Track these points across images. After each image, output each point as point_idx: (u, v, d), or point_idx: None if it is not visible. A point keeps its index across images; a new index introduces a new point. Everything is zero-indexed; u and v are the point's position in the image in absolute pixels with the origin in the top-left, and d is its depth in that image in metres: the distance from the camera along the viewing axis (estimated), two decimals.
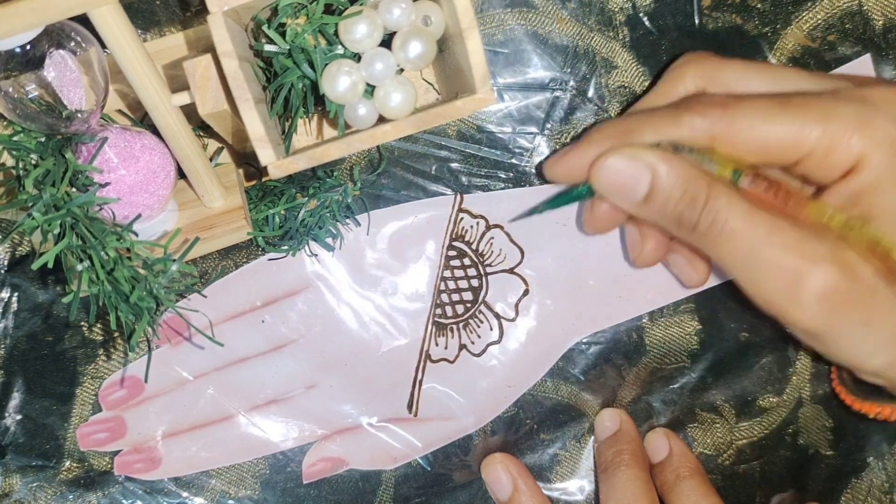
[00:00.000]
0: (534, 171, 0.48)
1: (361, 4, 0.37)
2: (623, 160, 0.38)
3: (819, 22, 0.47)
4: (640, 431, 0.49)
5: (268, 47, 0.37)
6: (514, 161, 0.47)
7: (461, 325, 0.48)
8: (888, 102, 0.37)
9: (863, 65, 0.48)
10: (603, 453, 0.48)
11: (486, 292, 0.48)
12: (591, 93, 0.47)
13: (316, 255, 0.47)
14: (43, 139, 0.38)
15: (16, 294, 0.46)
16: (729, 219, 0.37)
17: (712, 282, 0.48)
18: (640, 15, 0.46)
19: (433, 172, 0.47)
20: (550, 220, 0.48)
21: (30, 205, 0.36)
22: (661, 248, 0.44)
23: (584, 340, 0.49)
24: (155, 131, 0.39)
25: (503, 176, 0.48)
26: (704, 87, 0.41)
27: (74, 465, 0.47)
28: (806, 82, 0.40)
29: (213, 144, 0.45)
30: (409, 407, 0.49)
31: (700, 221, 0.37)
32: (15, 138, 0.38)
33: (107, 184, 0.39)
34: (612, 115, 0.47)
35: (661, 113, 0.40)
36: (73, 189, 0.38)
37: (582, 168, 0.41)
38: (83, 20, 0.34)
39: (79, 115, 0.37)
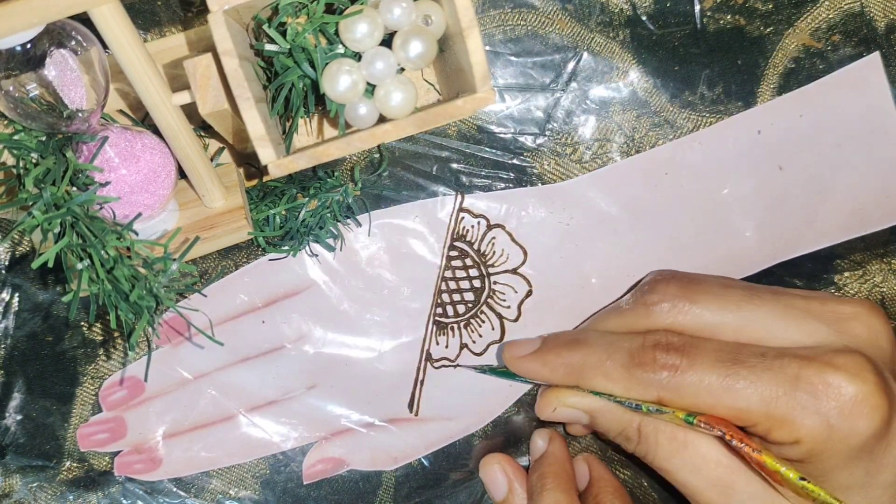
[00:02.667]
0: (535, 171, 0.48)
1: (362, 4, 0.37)
2: (564, 410, 0.44)
3: (822, 23, 0.47)
4: None
5: (268, 46, 0.37)
6: (515, 161, 0.47)
7: (462, 324, 0.48)
8: (847, 370, 0.38)
9: (871, 63, 0.48)
10: (529, 478, 0.48)
11: (488, 292, 0.48)
12: (591, 93, 0.47)
13: (317, 256, 0.47)
14: (44, 138, 0.38)
15: (16, 294, 0.46)
16: (657, 458, 0.43)
17: None
18: (641, 15, 0.46)
19: (434, 173, 0.47)
20: (553, 220, 0.48)
21: (30, 203, 0.36)
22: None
23: None
24: (156, 131, 0.39)
25: (504, 176, 0.48)
26: (676, 323, 0.42)
27: (74, 465, 0.47)
28: (778, 322, 0.41)
29: (214, 144, 0.45)
30: (410, 407, 0.48)
31: (636, 451, 0.44)
32: (16, 137, 0.38)
33: (107, 183, 0.39)
34: (614, 115, 0.47)
35: (616, 360, 0.42)
36: (74, 188, 0.38)
37: (533, 377, 0.45)
38: (84, 19, 0.34)
39: (79, 115, 0.37)
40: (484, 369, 0.48)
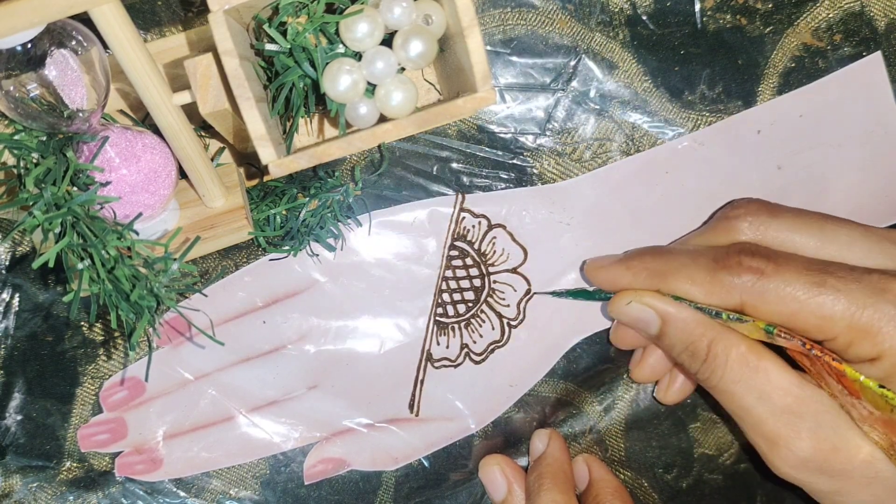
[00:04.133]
0: (535, 170, 0.48)
1: (362, 3, 0.37)
2: (637, 306, 0.43)
3: (822, 22, 0.47)
4: (641, 430, 0.49)
5: (269, 46, 0.37)
6: (515, 161, 0.47)
7: (462, 324, 0.48)
8: None
9: (872, 63, 0.48)
10: (527, 478, 0.47)
11: (489, 292, 0.48)
12: (592, 93, 0.47)
13: (317, 255, 0.47)
14: (44, 138, 0.38)
15: (16, 294, 0.46)
16: (723, 380, 0.41)
17: None
18: (641, 15, 0.46)
19: (434, 172, 0.47)
20: (553, 219, 0.48)
21: (31, 203, 0.36)
22: (660, 368, 0.48)
23: (585, 340, 0.49)
24: (156, 131, 0.39)
25: (505, 176, 0.48)
26: (757, 239, 0.42)
27: (75, 465, 0.47)
28: (858, 244, 0.41)
29: (215, 144, 0.45)
30: (411, 407, 0.48)
31: (699, 372, 0.42)
32: (16, 137, 0.38)
33: (108, 183, 0.39)
34: (614, 115, 0.47)
35: (700, 263, 0.41)
36: (75, 188, 0.38)
37: (613, 284, 0.45)
38: (85, 19, 0.34)
39: (80, 115, 0.37)
40: (560, 293, 0.48)
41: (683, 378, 0.47)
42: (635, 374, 0.48)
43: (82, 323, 0.46)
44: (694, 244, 0.45)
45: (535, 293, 0.48)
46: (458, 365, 0.48)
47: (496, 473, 0.48)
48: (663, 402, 0.48)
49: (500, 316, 0.48)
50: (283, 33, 0.37)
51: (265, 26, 0.37)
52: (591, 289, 0.48)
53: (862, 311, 0.38)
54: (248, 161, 0.46)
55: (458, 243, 0.48)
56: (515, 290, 0.48)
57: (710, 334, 0.41)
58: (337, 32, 0.37)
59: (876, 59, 0.48)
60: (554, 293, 0.48)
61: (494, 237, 0.48)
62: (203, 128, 0.44)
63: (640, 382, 0.49)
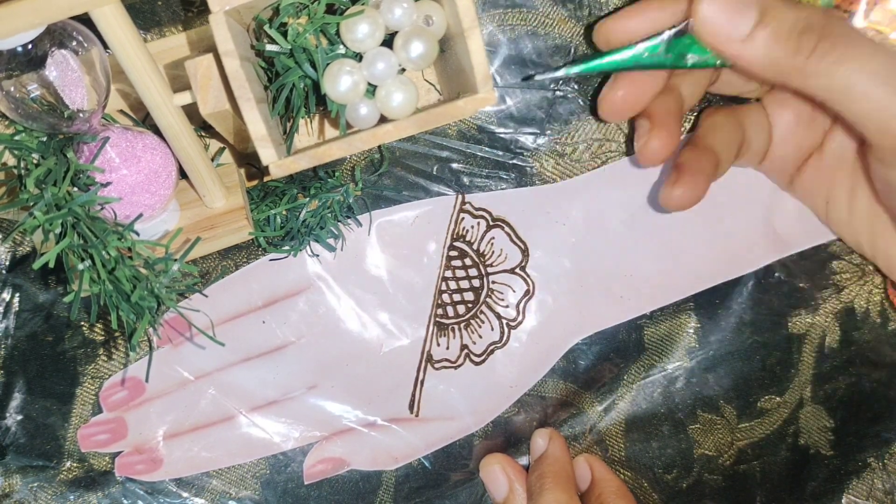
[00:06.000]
0: (535, 171, 0.48)
1: (363, 4, 0.37)
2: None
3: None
4: (641, 431, 0.49)
5: (269, 47, 0.37)
6: (515, 161, 0.47)
7: (462, 325, 0.48)
8: None
9: None
10: (528, 477, 0.47)
11: (488, 292, 0.48)
12: (592, 93, 0.47)
13: (317, 256, 0.47)
14: (45, 139, 0.38)
15: (17, 294, 0.46)
16: (844, 56, 0.37)
17: (712, 282, 0.49)
18: None
19: (434, 173, 0.47)
20: (552, 219, 0.48)
21: (31, 204, 0.36)
22: (669, 145, 0.43)
23: (585, 340, 0.49)
24: (157, 131, 0.39)
25: (504, 176, 0.48)
26: None
27: (75, 465, 0.47)
28: None
29: (215, 144, 0.45)
30: (411, 407, 0.49)
31: (815, 51, 0.37)
32: (17, 138, 0.38)
33: (108, 183, 0.39)
34: None
35: None
36: (75, 188, 0.38)
37: (644, 28, 0.40)
38: (85, 20, 0.34)
39: (80, 115, 0.37)
40: (563, 68, 0.42)
41: (669, 127, 0.42)
42: (604, 105, 0.42)
43: (83, 323, 0.46)
44: None
45: (534, 76, 0.43)
46: (459, 366, 0.48)
47: (497, 472, 0.48)
48: (645, 157, 0.43)
49: (499, 317, 0.49)
50: (284, 34, 0.37)
51: (266, 27, 0.37)
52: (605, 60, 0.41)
53: None
54: (249, 161, 0.46)
55: (457, 243, 0.48)
56: (514, 291, 0.48)
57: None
58: (338, 33, 0.37)
59: None
60: (556, 71, 0.42)
61: (493, 237, 0.48)
62: (203, 128, 0.44)
63: (608, 118, 0.43)
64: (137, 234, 0.39)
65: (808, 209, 0.48)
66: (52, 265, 0.36)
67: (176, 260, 0.38)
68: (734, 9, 0.38)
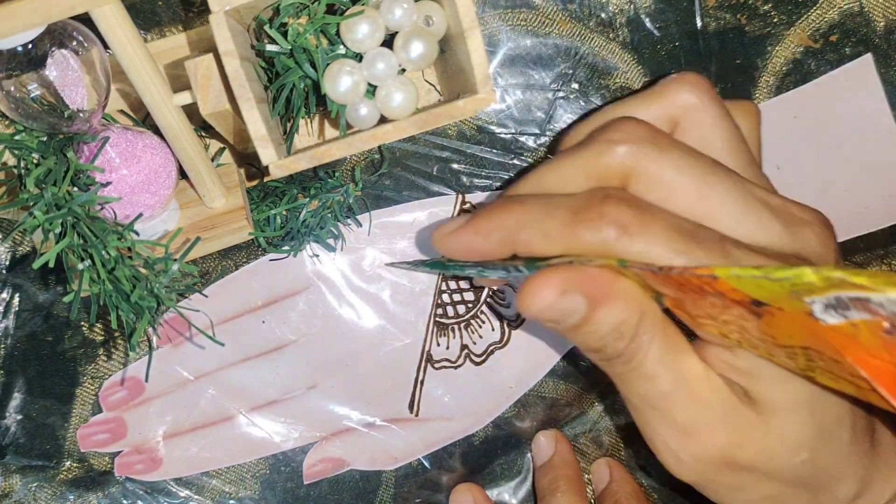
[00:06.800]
0: None
1: (363, 4, 0.37)
2: (558, 296, 0.34)
3: (821, 23, 0.47)
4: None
5: (269, 47, 0.37)
6: (515, 161, 0.47)
7: (462, 325, 0.48)
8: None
9: (864, 65, 0.48)
10: (539, 481, 0.48)
11: (488, 292, 0.48)
12: (592, 94, 0.47)
13: (317, 256, 0.47)
14: (45, 138, 0.38)
15: (17, 294, 0.46)
16: (646, 361, 0.35)
17: None
18: (641, 15, 0.47)
19: (434, 173, 0.47)
20: None
21: (31, 204, 0.36)
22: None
23: None
24: (157, 131, 0.39)
25: (505, 176, 0.48)
26: (632, 167, 0.36)
27: (74, 465, 0.47)
28: (734, 206, 0.36)
29: (215, 144, 0.45)
30: (411, 407, 0.49)
31: (623, 352, 0.35)
32: (17, 137, 0.38)
33: (108, 183, 0.39)
34: None
35: (557, 216, 0.35)
36: (75, 188, 0.38)
37: (467, 252, 0.38)
38: (85, 20, 0.34)
39: (80, 115, 0.37)
40: (415, 264, 0.44)
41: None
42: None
43: (82, 323, 0.46)
44: (564, 165, 0.37)
45: (389, 264, 0.44)
46: (459, 366, 0.48)
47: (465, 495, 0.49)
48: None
49: (499, 317, 0.49)
50: (284, 34, 0.37)
51: (266, 27, 0.37)
52: (443, 259, 0.41)
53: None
54: (249, 161, 0.46)
55: None
56: (515, 290, 0.48)
57: (641, 308, 0.35)
58: (338, 33, 0.37)
59: (867, 60, 0.48)
60: (407, 265, 0.44)
61: None
62: (203, 128, 0.44)
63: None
64: (137, 233, 0.39)
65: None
66: (51, 265, 0.36)
67: (176, 260, 0.38)
68: (558, 315, 0.35)
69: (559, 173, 0.38)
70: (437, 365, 0.48)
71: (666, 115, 0.39)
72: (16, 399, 0.46)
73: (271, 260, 0.47)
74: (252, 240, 0.45)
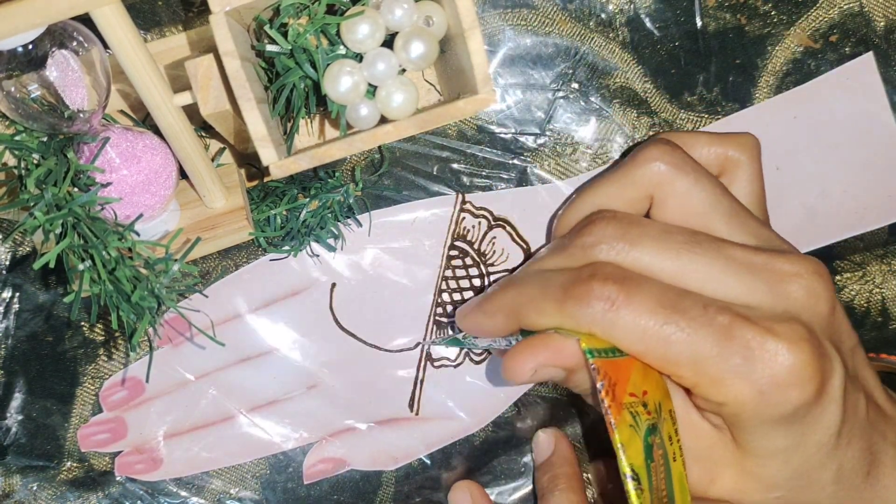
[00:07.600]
0: (535, 171, 0.48)
1: (363, 5, 0.37)
2: (533, 373, 0.39)
3: (821, 23, 0.48)
4: None
5: (270, 47, 0.37)
6: (515, 161, 0.47)
7: None
8: (785, 341, 0.36)
9: (864, 65, 0.48)
10: (539, 479, 0.48)
11: None
12: (592, 93, 0.47)
13: (317, 256, 0.47)
14: (45, 139, 0.38)
15: (17, 294, 0.46)
16: None
17: None
18: (641, 15, 0.47)
19: (435, 173, 0.47)
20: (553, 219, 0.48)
21: (31, 204, 0.36)
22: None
23: None
24: (157, 131, 0.39)
25: (505, 176, 0.48)
26: (614, 260, 0.38)
27: (75, 465, 0.47)
28: (716, 279, 0.38)
29: (215, 145, 0.45)
30: (411, 406, 0.49)
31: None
32: (17, 138, 0.38)
33: (108, 184, 0.39)
34: (614, 115, 0.47)
35: (550, 294, 0.38)
36: (75, 189, 0.38)
37: (479, 330, 0.43)
38: (85, 20, 0.34)
39: (81, 115, 0.37)
40: (444, 341, 0.47)
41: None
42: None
43: (83, 323, 0.46)
44: (548, 266, 0.41)
45: (419, 343, 0.48)
46: (458, 365, 0.48)
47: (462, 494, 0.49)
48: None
49: None
50: (284, 34, 0.37)
51: (266, 27, 0.37)
52: (461, 336, 0.46)
53: (709, 360, 0.36)
54: (249, 162, 0.46)
55: (458, 243, 0.48)
56: None
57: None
58: (338, 34, 0.37)
59: (868, 59, 0.48)
60: (439, 342, 0.48)
61: (494, 237, 0.48)
62: (203, 128, 0.44)
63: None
64: (138, 234, 0.39)
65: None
66: (52, 265, 0.36)
67: (176, 260, 0.38)
68: (541, 379, 0.39)
69: (539, 263, 0.42)
70: (436, 364, 0.48)
71: (640, 195, 0.41)
72: (16, 399, 0.46)
73: (271, 260, 0.47)
74: (252, 240, 0.45)
